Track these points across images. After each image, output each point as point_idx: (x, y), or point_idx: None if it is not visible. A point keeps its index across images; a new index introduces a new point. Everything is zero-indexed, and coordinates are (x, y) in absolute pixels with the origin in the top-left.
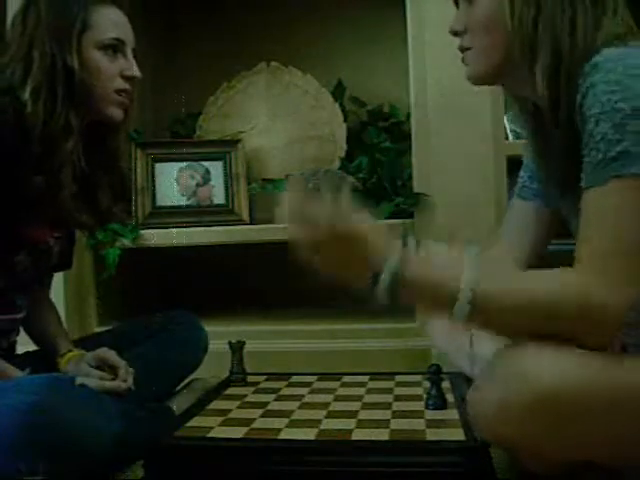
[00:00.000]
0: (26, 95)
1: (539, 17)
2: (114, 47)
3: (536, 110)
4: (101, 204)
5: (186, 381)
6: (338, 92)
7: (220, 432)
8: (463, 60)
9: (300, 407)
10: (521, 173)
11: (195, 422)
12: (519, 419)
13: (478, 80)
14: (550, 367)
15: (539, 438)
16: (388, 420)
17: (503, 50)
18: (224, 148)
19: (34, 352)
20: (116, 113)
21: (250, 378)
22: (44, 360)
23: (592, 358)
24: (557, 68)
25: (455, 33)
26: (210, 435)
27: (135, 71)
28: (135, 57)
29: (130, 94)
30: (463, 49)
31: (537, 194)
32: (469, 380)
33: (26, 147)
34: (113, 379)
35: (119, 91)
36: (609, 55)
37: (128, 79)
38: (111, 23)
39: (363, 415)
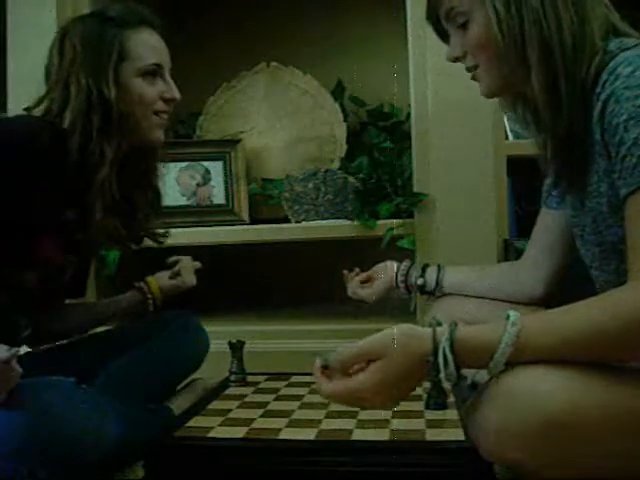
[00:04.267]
0: (65, 126)
1: (524, 27)
2: (153, 72)
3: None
4: (139, 223)
5: (186, 381)
6: (338, 92)
7: (220, 432)
8: (474, 78)
9: (300, 407)
10: (545, 181)
11: (195, 422)
12: (526, 443)
13: (492, 94)
14: (559, 387)
15: (547, 461)
16: (388, 420)
17: (504, 62)
18: (224, 148)
19: (35, 352)
20: (157, 135)
21: (250, 378)
22: (44, 359)
23: (604, 375)
24: (553, 71)
25: (455, 59)
26: (210, 435)
27: (175, 93)
28: (173, 77)
29: (169, 115)
30: (470, 69)
31: (562, 202)
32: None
33: (60, 176)
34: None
35: (158, 112)
36: (625, 59)
37: (167, 101)
38: (149, 49)
39: (363, 415)
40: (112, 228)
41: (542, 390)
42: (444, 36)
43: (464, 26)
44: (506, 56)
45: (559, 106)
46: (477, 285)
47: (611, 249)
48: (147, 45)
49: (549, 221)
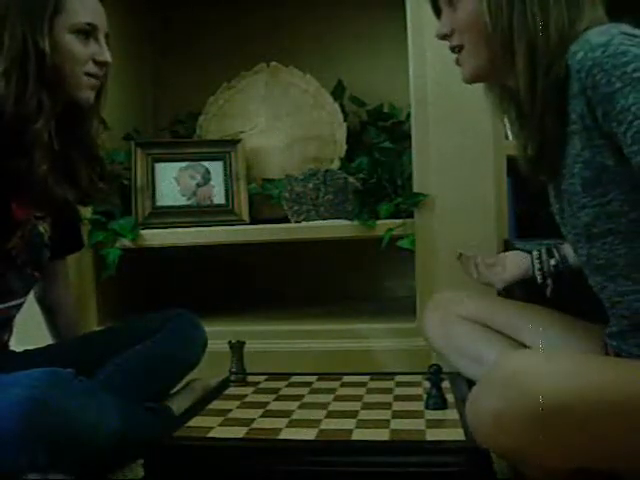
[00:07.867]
0: None
1: (513, 16)
2: (87, 32)
3: (516, 98)
4: (81, 180)
5: (186, 381)
6: (338, 92)
7: (220, 432)
8: (457, 62)
9: (300, 407)
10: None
11: (195, 422)
12: (523, 428)
13: (473, 78)
14: (556, 373)
15: (542, 448)
16: (388, 420)
17: (489, 47)
18: (224, 148)
19: (34, 350)
20: (86, 95)
21: (250, 378)
22: (43, 356)
23: (601, 362)
24: (533, 58)
25: (443, 37)
26: (210, 435)
27: (107, 56)
28: (108, 43)
29: (101, 79)
30: (454, 49)
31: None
32: (468, 380)
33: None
34: None
35: (89, 75)
36: (594, 31)
37: (100, 64)
38: (84, 7)
39: (363, 415)
40: (54, 182)
41: (540, 376)
42: (438, 12)
43: (455, 3)
44: (492, 40)
45: (535, 90)
46: None
47: (583, 232)
48: (83, 3)
49: None
